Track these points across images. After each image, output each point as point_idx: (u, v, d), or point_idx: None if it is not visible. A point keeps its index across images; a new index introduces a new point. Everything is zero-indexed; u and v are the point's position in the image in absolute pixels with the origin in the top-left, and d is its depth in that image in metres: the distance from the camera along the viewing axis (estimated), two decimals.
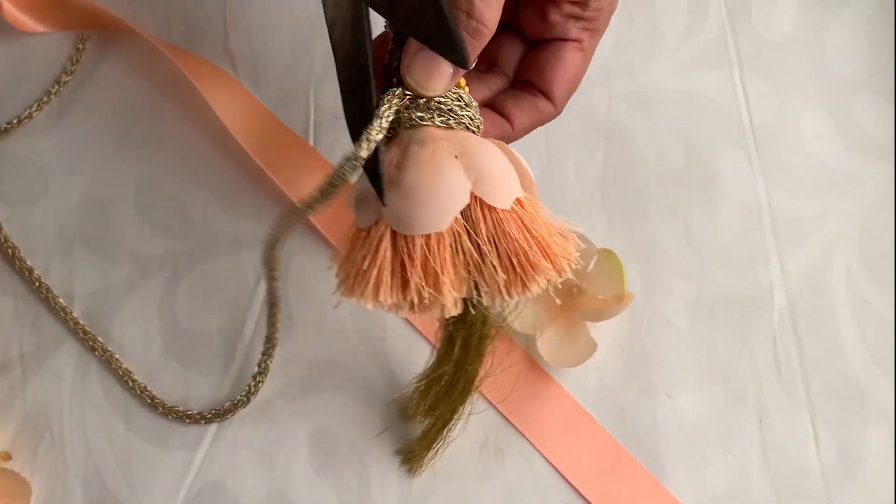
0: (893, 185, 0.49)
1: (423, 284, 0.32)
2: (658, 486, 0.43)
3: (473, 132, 0.35)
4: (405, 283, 0.33)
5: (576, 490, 0.43)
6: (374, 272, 0.33)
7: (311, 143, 0.48)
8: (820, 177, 0.49)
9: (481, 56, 0.36)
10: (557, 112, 0.38)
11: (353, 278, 0.34)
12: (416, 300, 0.32)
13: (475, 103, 0.35)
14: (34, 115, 0.48)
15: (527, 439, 0.44)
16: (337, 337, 0.45)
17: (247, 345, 0.45)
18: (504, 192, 0.33)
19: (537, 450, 0.44)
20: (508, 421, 0.44)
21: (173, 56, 0.47)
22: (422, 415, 0.42)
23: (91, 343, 0.44)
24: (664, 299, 0.47)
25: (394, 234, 0.33)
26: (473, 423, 0.44)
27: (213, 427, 0.44)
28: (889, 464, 0.44)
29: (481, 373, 0.41)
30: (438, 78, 0.33)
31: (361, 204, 0.35)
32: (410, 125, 0.34)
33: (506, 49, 0.39)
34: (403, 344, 0.45)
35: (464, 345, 0.39)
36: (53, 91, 0.48)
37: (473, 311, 0.34)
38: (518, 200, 0.34)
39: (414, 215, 0.32)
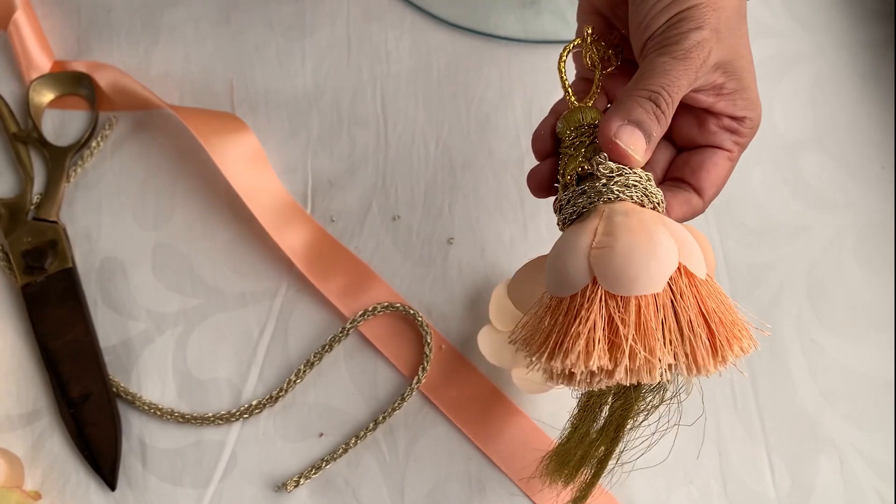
0: (836, 233, 0.54)
1: (638, 346, 0.32)
2: None
3: (660, 212, 0.37)
4: (613, 347, 0.33)
5: None
6: (585, 334, 0.33)
7: (310, 206, 0.54)
8: (770, 228, 0.54)
9: None
10: (705, 208, 0.41)
11: (556, 344, 0.34)
12: (628, 364, 0.32)
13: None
14: (61, 189, 0.53)
15: (504, 474, 0.48)
16: (334, 383, 0.50)
17: (251, 391, 0.50)
18: (700, 262, 0.35)
19: (513, 481, 0.48)
20: (487, 457, 0.49)
21: (187, 115, 0.53)
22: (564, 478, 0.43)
23: (115, 388, 0.50)
24: None
25: (606, 298, 0.33)
26: (457, 456, 0.48)
27: (222, 465, 0.48)
28: (837, 492, 0.48)
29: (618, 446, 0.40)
30: (639, 143, 0.36)
31: (560, 273, 0.35)
32: (609, 199, 0.36)
33: (657, 152, 0.43)
34: (392, 390, 0.50)
35: (611, 418, 0.39)
36: (80, 165, 0.54)
37: (667, 384, 0.36)
38: (707, 274, 0.35)
39: (633, 276, 0.33)
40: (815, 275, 0.53)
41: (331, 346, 0.50)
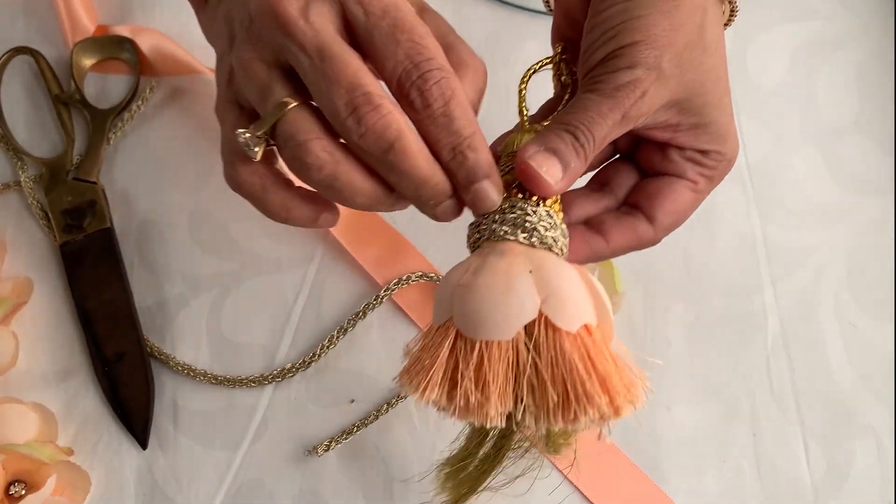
0: (877, 218, 0.53)
1: (472, 389, 0.32)
2: (657, 489, 0.47)
3: (556, 254, 0.35)
4: (454, 386, 0.33)
5: (580, 492, 0.47)
6: (430, 369, 0.33)
7: None
8: (810, 210, 0.53)
9: (595, 176, 0.41)
10: (656, 238, 0.39)
11: (411, 371, 0.34)
12: (461, 403, 0.32)
13: (564, 228, 0.36)
14: (102, 150, 0.54)
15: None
16: (366, 350, 0.50)
17: (284, 356, 0.50)
18: (573, 314, 0.33)
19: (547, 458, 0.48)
20: None
21: None
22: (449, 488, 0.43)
23: (150, 349, 0.50)
24: (665, 321, 0.51)
25: (457, 336, 0.34)
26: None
27: (253, 428, 0.49)
28: (874, 477, 0.48)
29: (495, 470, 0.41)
30: (554, 168, 0.35)
31: (439, 302, 0.35)
32: (494, 238, 0.35)
33: (621, 174, 0.41)
34: None
35: (494, 446, 0.40)
36: (120, 128, 0.54)
37: (516, 429, 0.35)
38: (587, 327, 0.33)
39: (480, 320, 0.33)
40: (855, 258, 0.52)
41: (364, 314, 0.50)
